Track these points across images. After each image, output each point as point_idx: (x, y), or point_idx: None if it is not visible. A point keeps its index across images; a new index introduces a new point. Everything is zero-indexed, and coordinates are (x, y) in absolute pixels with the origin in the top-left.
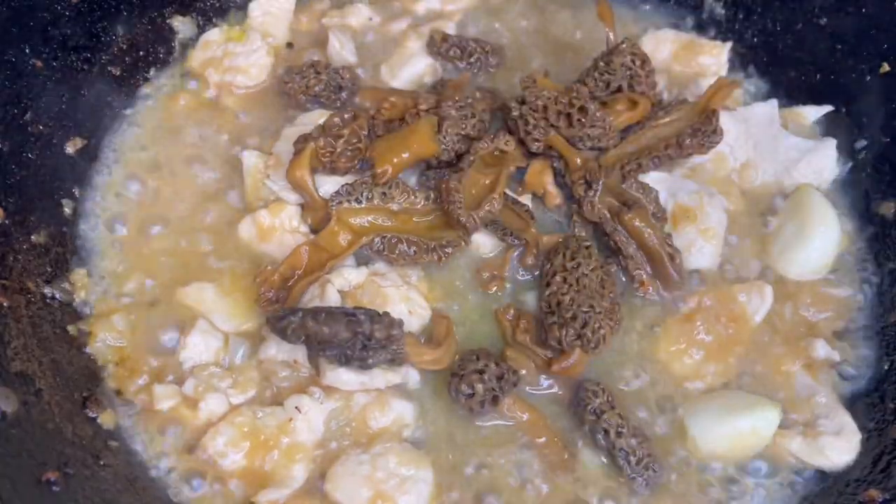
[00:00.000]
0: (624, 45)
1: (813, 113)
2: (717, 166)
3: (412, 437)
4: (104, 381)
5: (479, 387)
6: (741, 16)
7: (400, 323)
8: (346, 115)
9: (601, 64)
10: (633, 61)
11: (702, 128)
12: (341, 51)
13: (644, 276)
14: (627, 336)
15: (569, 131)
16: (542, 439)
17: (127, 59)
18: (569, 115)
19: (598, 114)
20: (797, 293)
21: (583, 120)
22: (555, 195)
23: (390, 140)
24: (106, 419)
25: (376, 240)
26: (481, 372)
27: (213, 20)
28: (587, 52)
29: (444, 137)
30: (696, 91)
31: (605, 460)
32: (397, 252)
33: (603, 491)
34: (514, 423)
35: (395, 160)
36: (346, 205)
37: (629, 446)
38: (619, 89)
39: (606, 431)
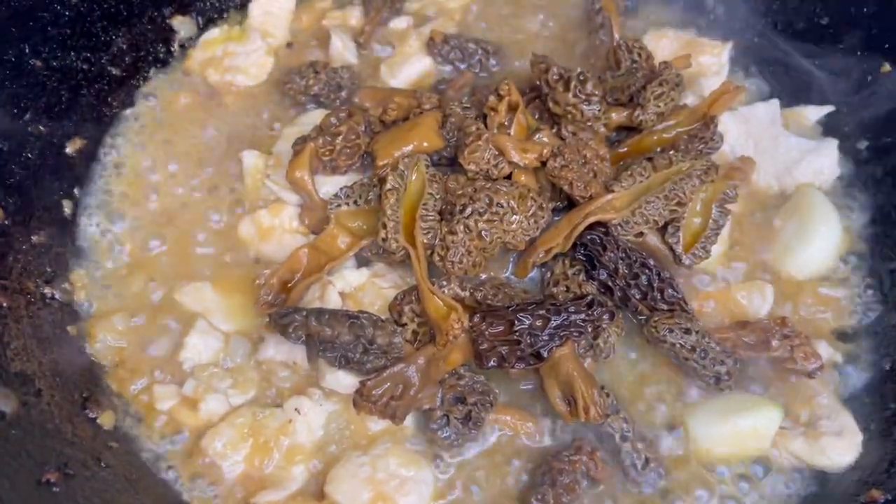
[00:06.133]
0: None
1: (814, 113)
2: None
3: (411, 438)
4: (104, 382)
5: (452, 426)
6: (741, 15)
7: (401, 332)
8: (341, 114)
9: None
10: (639, 55)
11: (700, 134)
12: (343, 51)
13: None
14: (630, 339)
15: (562, 96)
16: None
17: (127, 59)
18: (568, 80)
19: (597, 91)
20: (798, 293)
21: (579, 89)
22: None
23: (393, 134)
24: (106, 420)
25: (375, 242)
26: (448, 413)
27: (213, 20)
28: (591, 52)
29: (448, 133)
30: (696, 91)
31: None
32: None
33: None
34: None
35: (397, 154)
36: (344, 208)
37: (635, 450)
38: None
39: (611, 436)
